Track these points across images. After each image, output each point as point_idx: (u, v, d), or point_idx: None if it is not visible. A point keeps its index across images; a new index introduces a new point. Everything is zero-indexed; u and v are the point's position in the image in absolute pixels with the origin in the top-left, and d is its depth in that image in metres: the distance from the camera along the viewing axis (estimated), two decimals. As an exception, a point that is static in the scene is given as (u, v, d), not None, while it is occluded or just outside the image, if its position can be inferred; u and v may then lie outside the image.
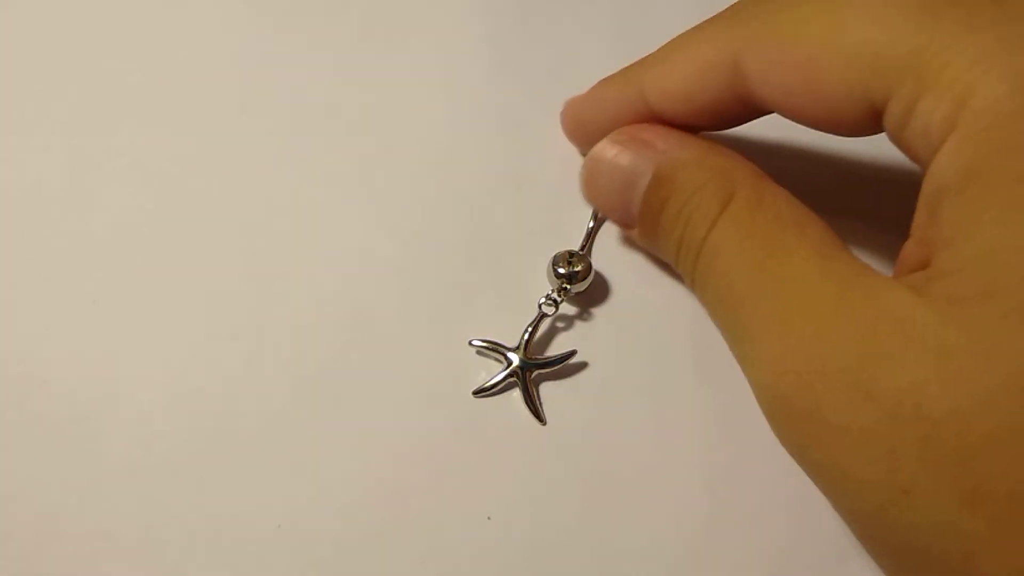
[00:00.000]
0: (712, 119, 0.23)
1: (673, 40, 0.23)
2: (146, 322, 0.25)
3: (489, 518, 0.23)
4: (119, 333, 0.25)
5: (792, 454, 0.18)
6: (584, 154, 0.25)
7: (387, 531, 0.23)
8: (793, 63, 0.20)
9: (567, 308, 0.26)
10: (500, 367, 0.25)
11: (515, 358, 0.24)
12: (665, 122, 0.23)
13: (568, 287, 0.25)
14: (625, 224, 0.24)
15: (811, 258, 0.19)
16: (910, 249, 0.18)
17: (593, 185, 0.24)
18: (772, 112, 0.22)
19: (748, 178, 0.21)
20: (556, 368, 0.25)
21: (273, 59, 0.29)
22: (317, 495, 0.23)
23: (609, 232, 0.27)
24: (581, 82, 0.26)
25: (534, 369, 0.24)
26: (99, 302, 0.25)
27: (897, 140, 0.19)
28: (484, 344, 0.25)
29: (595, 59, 0.28)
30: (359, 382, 0.25)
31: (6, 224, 0.26)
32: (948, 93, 0.17)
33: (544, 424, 0.24)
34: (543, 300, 0.25)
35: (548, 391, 0.25)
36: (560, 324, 0.26)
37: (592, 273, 0.25)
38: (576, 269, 0.25)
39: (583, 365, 0.25)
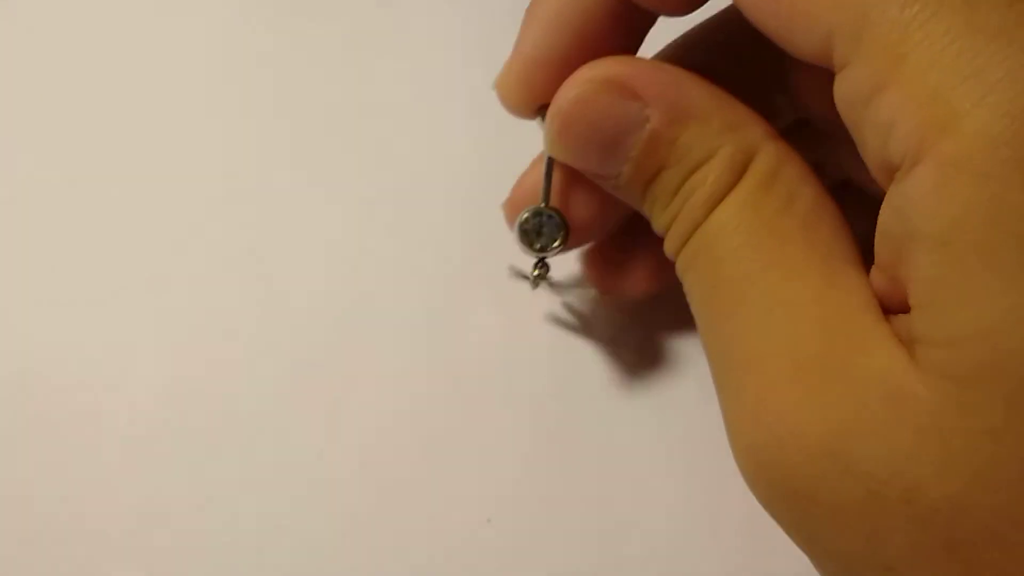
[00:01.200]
0: None
1: None
2: (144, 321, 0.25)
3: (489, 520, 0.23)
4: (118, 332, 0.25)
5: (761, 503, 0.17)
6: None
7: (387, 532, 0.23)
8: None
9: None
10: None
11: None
12: (631, 9, 0.19)
13: (545, 264, 0.22)
14: (603, 179, 0.20)
15: (813, 282, 0.16)
16: (879, 281, 0.16)
17: (563, 140, 0.19)
18: None
19: (763, 140, 0.17)
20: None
21: (272, 59, 0.29)
22: (316, 496, 0.23)
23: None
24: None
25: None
26: (96, 300, 0.25)
27: (844, 107, 0.16)
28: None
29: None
30: (358, 381, 0.25)
31: (4, 222, 0.26)
32: (928, 106, 0.14)
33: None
34: (532, 275, 0.22)
35: (556, 374, 0.25)
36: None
37: (567, 232, 0.21)
38: (544, 239, 0.21)
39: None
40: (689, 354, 0.25)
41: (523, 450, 0.24)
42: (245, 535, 0.23)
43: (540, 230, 0.21)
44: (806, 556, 0.17)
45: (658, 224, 0.19)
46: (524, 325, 0.25)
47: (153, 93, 0.28)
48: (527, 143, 0.27)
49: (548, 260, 0.22)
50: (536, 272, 0.22)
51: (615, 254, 0.24)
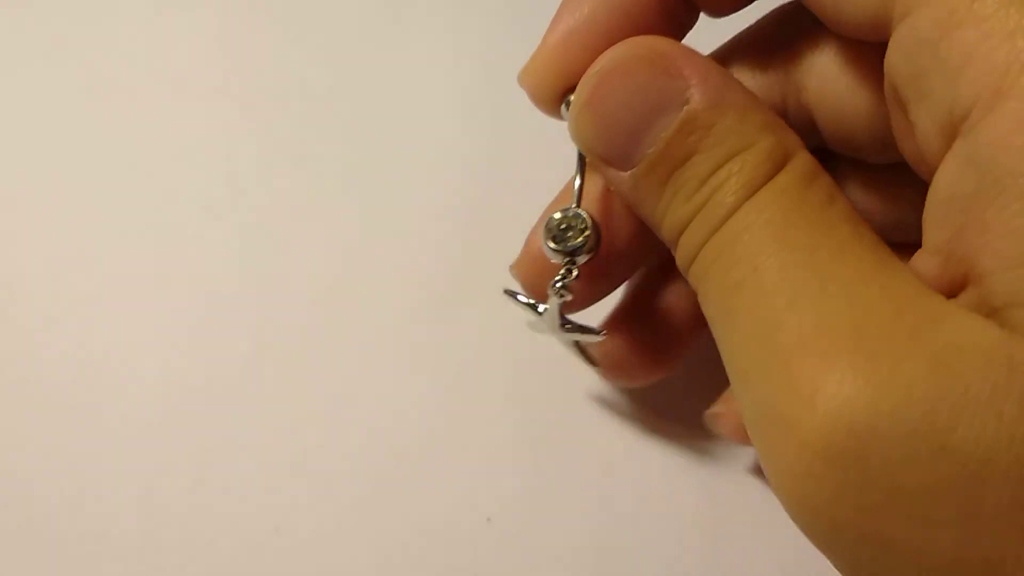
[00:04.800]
0: None
1: None
2: (142, 319, 0.25)
3: (489, 520, 0.23)
4: (116, 331, 0.25)
5: (819, 526, 0.14)
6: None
7: (387, 530, 0.23)
8: None
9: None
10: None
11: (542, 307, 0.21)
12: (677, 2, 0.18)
13: (574, 264, 0.20)
14: (618, 164, 0.18)
15: (872, 262, 0.14)
16: (932, 263, 0.15)
17: (592, 108, 0.18)
18: None
19: (800, 147, 0.16)
20: (580, 335, 0.22)
21: (271, 57, 0.29)
22: (315, 495, 0.23)
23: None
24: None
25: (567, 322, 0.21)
26: (95, 299, 0.25)
27: (901, 62, 0.15)
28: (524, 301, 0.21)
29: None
30: (358, 380, 0.24)
31: (5, 220, 0.26)
32: (1009, 40, 0.13)
33: (601, 334, 0.21)
34: (558, 282, 0.20)
35: (557, 373, 0.25)
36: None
37: (599, 238, 0.20)
38: (575, 242, 0.20)
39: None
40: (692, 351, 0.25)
41: (523, 449, 0.24)
42: (245, 534, 0.23)
43: (569, 231, 0.20)
44: None
45: (675, 218, 0.17)
46: (524, 324, 0.25)
47: (153, 90, 0.28)
48: (528, 143, 0.27)
49: (576, 269, 0.20)
50: (561, 280, 0.20)
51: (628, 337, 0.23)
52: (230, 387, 0.24)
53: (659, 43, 0.17)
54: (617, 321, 0.23)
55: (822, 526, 0.14)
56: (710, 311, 0.17)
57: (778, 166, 0.16)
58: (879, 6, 0.15)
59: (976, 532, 0.13)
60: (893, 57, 0.15)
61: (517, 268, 0.22)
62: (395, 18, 0.30)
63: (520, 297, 0.22)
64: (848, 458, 0.13)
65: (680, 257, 0.17)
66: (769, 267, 0.15)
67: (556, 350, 0.25)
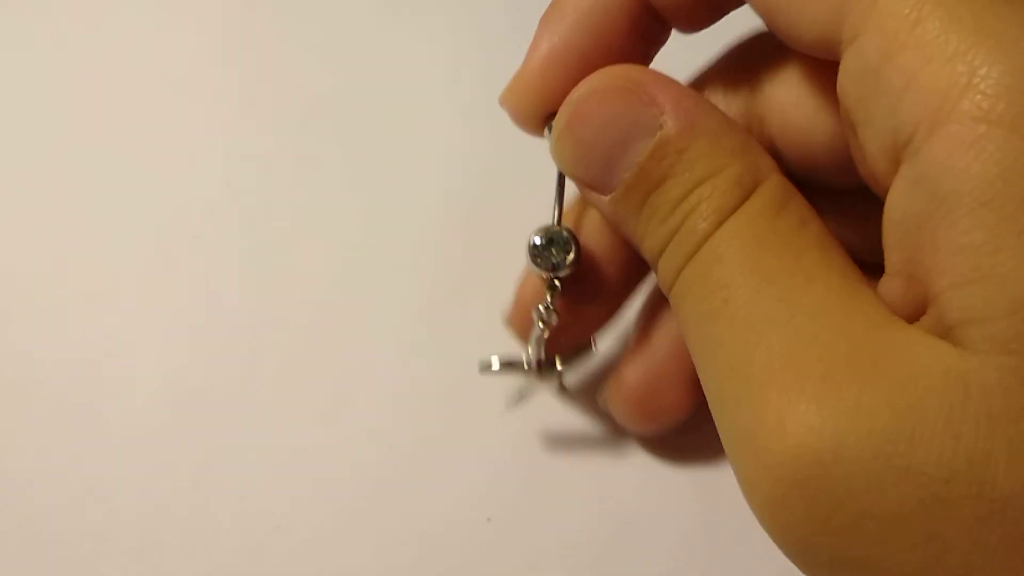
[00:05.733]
0: (705, 5, 0.19)
1: None
2: (142, 320, 0.25)
3: (489, 519, 0.23)
4: (116, 332, 0.25)
5: (785, 545, 0.15)
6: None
7: (387, 530, 0.23)
8: None
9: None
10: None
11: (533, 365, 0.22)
12: (650, 24, 0.19)
13: (557, 278, 0.21)
14: (598, 188, 0.19)
15: (837, 290, 0.15)
16: (893, 287, 0.15)
17: (570, 134, 0.18)
18: None
19: (773, 171, 0.17)
20: (572, 359, 0.23)
21: (271, 56, 0.29)
22: (315, 494, 0.23)
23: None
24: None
25: (553, 368, 0.22)
26: (95, 299, 0.25)
27: (850, 85, 0.15)
28: (501, 363, 0.22)
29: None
30: (357, 380, 0.25)
31: (4, 221, 0.26)
32: (948, 65, 0.13)
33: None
34: (540, 309, 0.21)
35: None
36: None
37: (580, 252, 0.21)
38: (557, 257, 0.21)
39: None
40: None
41: (524, 449, 0.24)
42: (245, 534, 0.23)
43: (551, 249, 0.21)
44: None
45: (653, 241, 0.18)
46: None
47: (152, 91, 0.28)
48: (528, 143, 0.27)
49: (559, 282, 0.21)
50: (547, 302, 0.21)
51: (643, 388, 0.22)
52: (230, 387, 0.24)
53: (634, 71, 0.18)
54: (632, 356, 0.22)
55: (797, 549, 0.15)
56: (688, 337, 0.17)
57: (748, 191, 0.16)
58: (828, 29, 0.15)
59: (942, 552, 0.13)
60: (842, 81, 0.15)
61: (511, 321, 0.22)
62: (396, 18, 0.30)
63: (495, 363, 0.22)
64: (816, 486, 0.14)
65: (660, 281, 0.18)
66: (740, 298, 0.15)
67: None
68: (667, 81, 0.18)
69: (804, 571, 0.15)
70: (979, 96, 0.13)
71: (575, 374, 0.24)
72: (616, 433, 0.24)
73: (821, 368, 0.14)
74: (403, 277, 0.26)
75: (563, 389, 0.24)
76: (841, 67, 0.15)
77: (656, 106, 0.17)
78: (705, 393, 0.16)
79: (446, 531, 0.23)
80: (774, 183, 0.17)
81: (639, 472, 0.24)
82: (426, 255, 0.26)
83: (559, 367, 0.23)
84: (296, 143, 0.28)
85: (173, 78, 0.29)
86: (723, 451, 0.23)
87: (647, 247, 0.18)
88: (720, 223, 0.16)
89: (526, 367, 0.22)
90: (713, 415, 0.16)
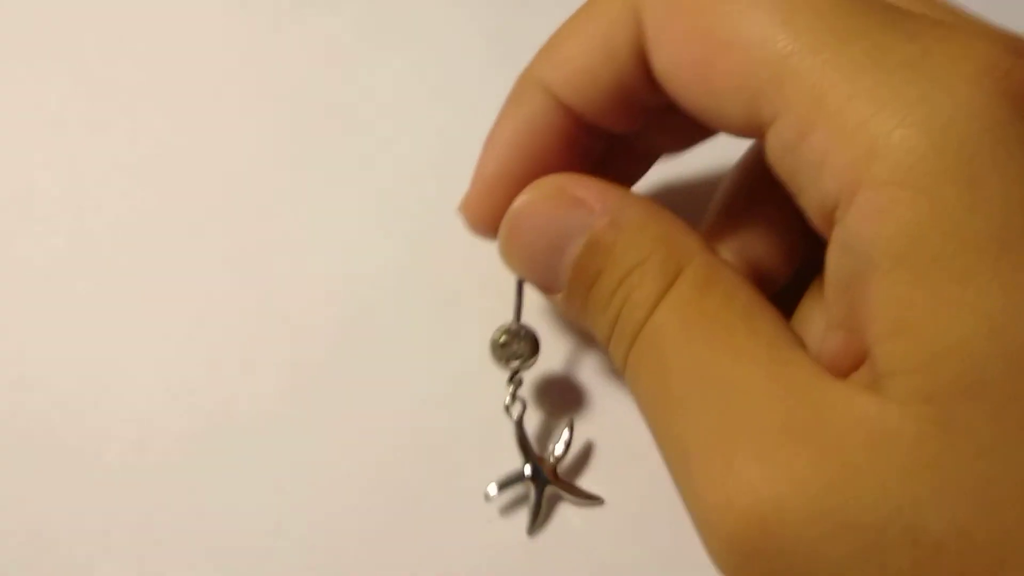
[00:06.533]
0: (627, 108, 0.20)
1: (569, 17, 0.20)
2: (142, 323, 0.25)
3: (489, 521, 0.24)
4: (115, 333, 0.25)
5: None
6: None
7: (386, 532, 0.23)
8: (687, 35, 0.17)
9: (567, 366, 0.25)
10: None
11: (531, 470, 0.23)
12: (580, 127, 0.20)
13: (519, 378, 0.23)
14: (547, 290, 0.21)
15: (762, 361, 0.16)
16: (835, 341, 0.16)
17: (512, 244, 0.20)
18: (668, 95, 0.18)
19: (697, 252, 0.18)
20: (569, 449, 0.23)
21: (271, 57, 0.29)
22: (314, 495, 0.23)
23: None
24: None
25: (556, 466, 0.23)
26: (95, 302, 0.25)
27: (777, 161, 0.16)
28: (503, 484, 0.23)
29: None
30: (357, 381, 0.25)
31: (7, 229, 0.26)
32: (853, 136, 0.14)
33: (603, 502, 0.23)
34: (507, 401, 0.23)
35: (555, 375, 0.25)
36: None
37: (538, 346, 0.23)
38: (521, 356, 0.23)
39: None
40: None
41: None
42: (244, 534, 0.23)
43: (513, 345, 0.23)
44: None
45: (600, 332, 0.19)
46: (528, 321, 0.25)
47: (152, 92, 0.28)
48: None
49: (522, 375, 0.23)
50: (511, 389, 0.23)
51: None
52: (229, 389, 0.24)
53: (560, 179, 0.20)
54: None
55: None
56: (643, 415, 0.18)
57: (673, 276, 0.18)
58: (748, 117, 0.16)
59: None
60: (770, 158, 0.17)
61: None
62: (397, 18, 0.29)
63: (491, 492, 0.23)
64: (765, 552, 0.15)
65: (615, 366, 0.19)
66: (677, 380, 0.17)
67: (556, 352, 0.25)
68: (593, 182, 0.19)
69: None
70: (885, 163, 0.14)
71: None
72: (616, 433, 0.24)
73: (757, 439, 0.15)
74: (402, 276, 0.26)
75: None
76: (767, 147, 0.16)
77: (584, 206, 0.19)
78: (666, 465, 0.18)
79: (446, 531, 0.23)
80: (698, 264, 0.18)
81: (639, 472, 0.24)
82: (427, 255, 0.26)
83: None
84: (297, 143, 0.28)
85: (173, 77, 0.28)
86: None
87: (598, 337, 0.20)
88: (652, 309, 0.18)
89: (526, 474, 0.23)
90: (675, 486, 0.17)
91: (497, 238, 0.21)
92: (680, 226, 0.19)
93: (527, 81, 0.20)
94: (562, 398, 0.25)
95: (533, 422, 0.24)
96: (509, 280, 0.24)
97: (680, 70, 0.17)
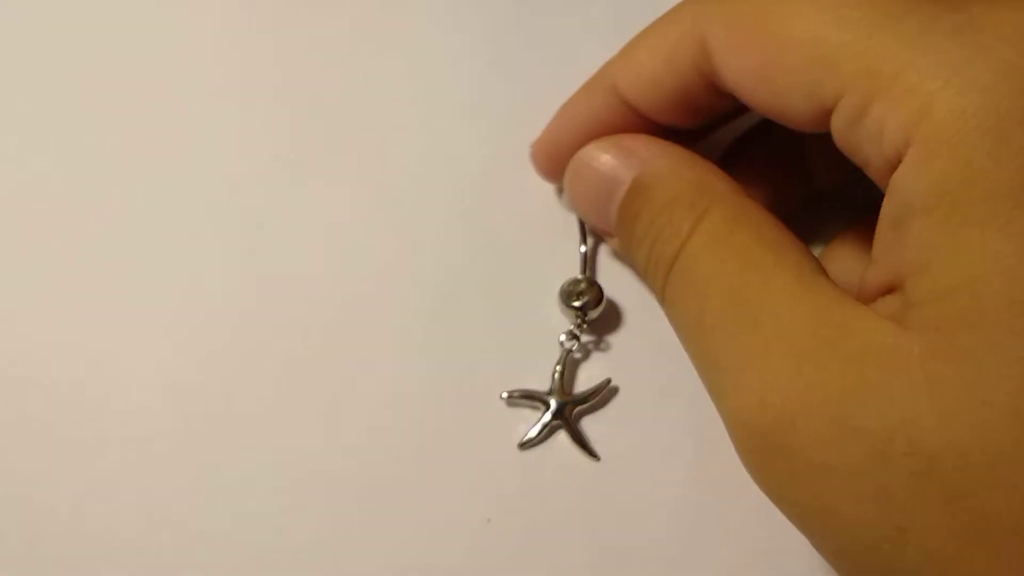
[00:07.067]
0: (687, 110, 0.22)
1: (642, 31, 0.23)
2: (142, 321, 0.25)
3: (489, 520, 0.23)
4: (115, 331, 0.25)
5: (769, 494, 0.18)
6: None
7: (386, 531, 0.23)
8: (750, 46, 0.19)
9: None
10: (537, 412, 0.24)
11: (553, 402, 0.24)
12: (643, 120, 0.23)
13: (585, 317, 0.25)
14: (606, 233, 0.24)
15: (790, 285, 0.18)
16: (875, 274, 0.18)
17: (574, 190, 0.24)
18: (741, 101, 0.21)
19: (726, 193, 0.20)
20: (594, 401, 0.24)
21: (271, 59, 0.29)
22: (315, 495, 0.24)
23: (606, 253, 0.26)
24: (579, 85, 0.26)
25: (574, 407, 0.24)
26: (94, 299, 0.26)
27: (844, 141, 0.18)
28: (518, 394, 0.24)
29: (594, 59, 0.27)
30: (357, 383, 0.25)
31: (3, 220, 0.27)
32: (905, 101, 0.16)
33: (598, 459, 0.24)
34: (563, 337, 0.25)
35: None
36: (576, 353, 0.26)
37: (604, 298, 0.25)
38: (587, 298, 0.25)
39: (614, 390, 0.25)
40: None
41: (521, 460, 0.24)
42: (245, 534, 0.23)
43: (579, 293, 0.25)
44: (811, 543, 0.18)
45: (641, 268, 0.22)
46: (524, 326, 0.25)
47: (153, 91, 0.28)
48: (530, 140, 0.27)
49: (588, 318, 0.25)
50: (575, 329, 0.25)
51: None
52: (229, 387, 0.25)
53: (617, 136, 0.23)
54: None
55: (777, 495, 0.18)
56: (682, 341, 0.20)
57: (700, 215, 0.20)
58: (813, 107, 0.18)
59: (888, 504, 0.15)
60: (836, 139, 0.19)
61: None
62: (397, 17, 0.30)
63: (504, 395, 0.24)
64: (788, 448, 0.17)
65: (656, 298, 0.21)
66: (713, 308, 0.19)
67: (555, 353, 0.25)
68: (644, 137, 0.23)
69: (788, 518, 0.18)
70: (930, 122, 0.16)
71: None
72: (616, 433, 0.24)
73: (787, 350, 0.17)
74: (403, 276, 0.26)
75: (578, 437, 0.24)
76: (833, 132, 0.18)
77: (633, 155, 0.22)
78: (702, 382, 0.20)
79: (446, 532, 0.23)
80: (727, 202, 0.20)
81: (640, 470, 0.24)
82: (427, 257, 0.26)
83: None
84: (297, 145, 0.28)
85: (173, 76, 0.29)
86: (725, 449, 0.23)
87: (640, 272, 0.22)
88: (684, 242, 0.20)
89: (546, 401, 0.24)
90: (711, 399, 0.19)
91: (563, 184, 0.24)
92: (714, 172, 0.21)
93: (601, 78, 0.23)
94: (606, 356, 0.25)
95: (571, 364, 0.25)
96: (508, 280, 0.26)
97: (747, 78, 0.19)
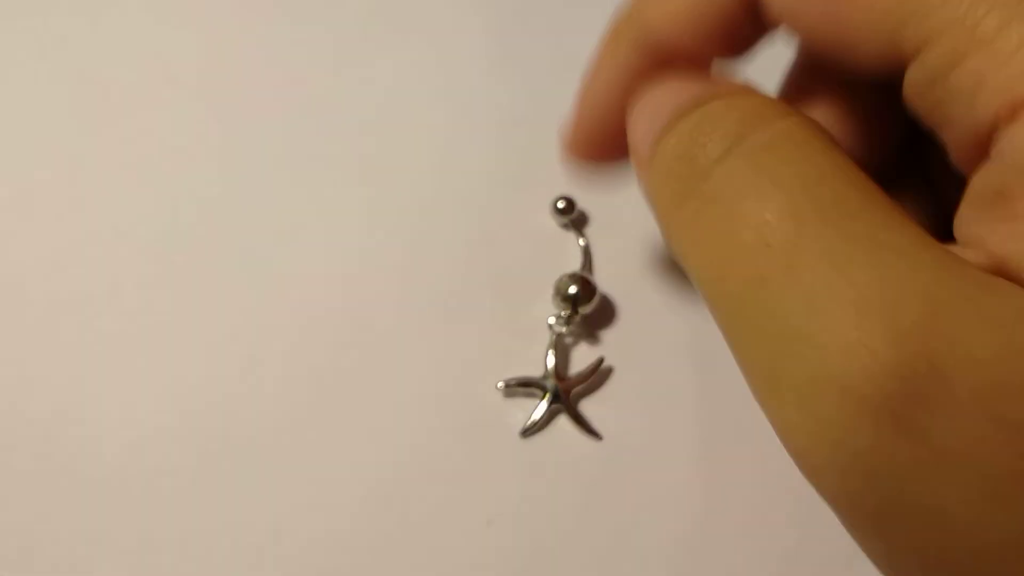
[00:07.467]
0: (726, 42, 0.19)
1: None
2: (143, 328, 0.25)
3: (489, 522, 0.23)
4: (115, 338, 0.25)
5: (851, 499, 0.13)
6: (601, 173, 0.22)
7: (388, 533, 0.23)
8: None
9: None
10: (534, 400, 0.24)
11: (550, 385, 0.24)
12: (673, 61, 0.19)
13: (576, 311, 0.25)
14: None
15: (902, 222, 0.14)
16: (960, 253, 0.15)
17: (633, 123, 0.19)
18: (789, 32, 0.18)
19: (787, 113, 0.16)
20: (590, 381, 0.25)
21: (272, 60, 0.29)
22: (317, 497, 0.24)
23: (604, 252, 0.27)
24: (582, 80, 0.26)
25: (571, 388, 0.24)
26: (97, 302, 0.26)
27: (918, 96, 0.16)
28: (515, 382, 0.24)
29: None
30: (358, 386, 0.25)
31: (4, 232, 0.27)
32: (1012, 60, 0.14)
33: (600, 439, 0.24)
34: (552, 320, 0.25)
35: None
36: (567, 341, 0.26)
37: (597, 292, 0.25)
38: (579, 290, 0.25)
39: (609, 370, 0.25)
40: (688, 347, 0.25)
41: (523, 451, 0.24)
42: (247, 536, 0.23)
43: (578, 295, 0.25)
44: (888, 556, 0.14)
45: (659, 177, 0.17)
46: (525, 326, 0.25)
47: (154, 94, 0.28)
48: (527, 147, 0.28)
49: (579, 312, 0.25)
50: (565, 318, 0.25)
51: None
52: (229, 389, 0.25)
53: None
54: None
55: (855, 492, 0.13)
56: (696, 269, 0.16)
57: (766, 119, 0.16)
58: (886, 51, 0.16)
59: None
60: (909, 92, 0.16)
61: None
62: (397, 18, 0.30)
63: (500, 385, 0.24)
64: (907, 415, 0.12)
65: (659, 214, 0.17)
66: (777, 223, 0.14)
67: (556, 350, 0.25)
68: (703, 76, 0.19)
69: (865, 529, 0.14)
70: None
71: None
72: (616, 432, 0.24)
73: (919, 304, 0.13)
74: (403, 280, 0.26)
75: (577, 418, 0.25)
76: (906, 80, 0.16)
77: (707, 81, 0.18)
78: (736, 332, 0.15)
79: (446, 534, 0.23)
80: (794, 120, 0.16)
81: (640, 470, 0.24)
82: (428, 258, 0.26)
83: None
84: (298, 146, 0.28)
85: (175, 79, 0.29)
86: (727, 449, 0.23)
87: (653, 193, 0.17)
88: (738, 141, 0.15)
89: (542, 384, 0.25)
90: (750, 356, 0.15)
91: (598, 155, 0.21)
92: (771, 99, 0.17)
93: (626, 29, 0.20)
94: (600, 341, 0.26)
95: (563, 350, 0.26)
96: (507, 281, 0.26)
97: (809, 5, 0.17)
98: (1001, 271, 0.14)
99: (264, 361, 0.25)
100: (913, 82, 0.15)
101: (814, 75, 0.19)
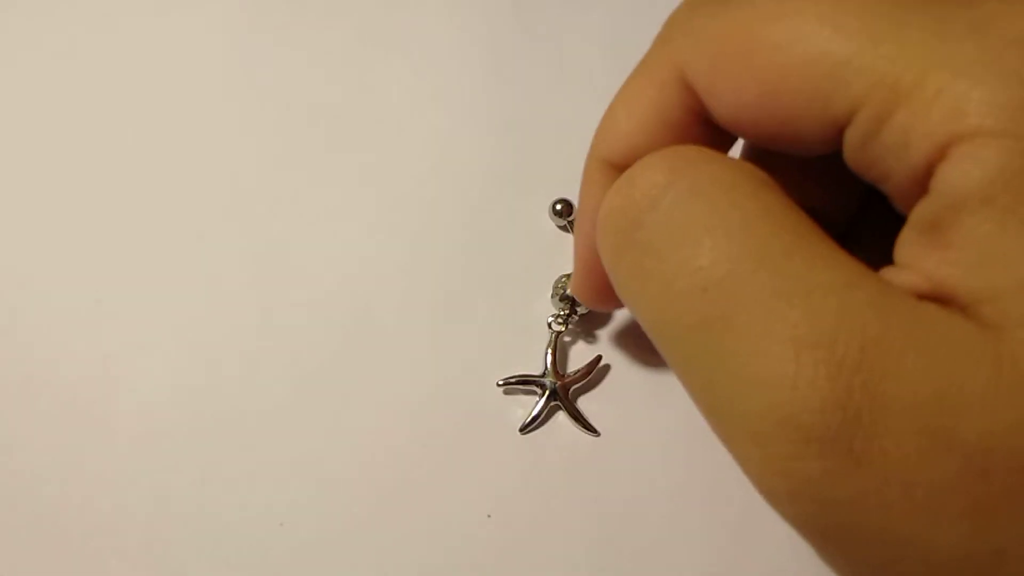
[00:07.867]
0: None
1: (616, 95, 0.20)
2: (149, 321, 0.26)
3: (489, 516, 0.24)
4: (123, 331, 0.26)
5: (807, 522, 0.14)
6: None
7: (388, 528, 0.24)
8: (744, 79, 0.17)
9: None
10: (533, 398, 0.25)
11: (548, 382, 0.25)
12: None
13: (575, 310, 0.25)
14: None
15: (836, 258, 0.15)
16: (900, 278, 0.15)
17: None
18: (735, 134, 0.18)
19: (720, 158, 0.17)
20: (588, 379, 0.25)
21: (274, 64, 0.29)
22: (318, 493, 0.24)
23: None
24: (578, 89, 0.26)
25: (570, 386, 0.25)
26: (103, 300, 0.26)
27: (858, 157, 0.16)
28: (514, 380, 0.25)
29: (592, 66, 0.28)
30: (361, 384, 0.25)
31: (12, 223, 0.27)
32: (936, 104, 0.15)
33: (598, 435, 0.25)
34: (551, 319, 0.25)
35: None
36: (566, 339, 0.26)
37: None
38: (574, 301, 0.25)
39: (606, 368, 0.26)
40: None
41: (523, 446, 0.25)
42: (248, 533, 0.23)
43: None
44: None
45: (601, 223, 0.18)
46: (524, 325, 0.26)
47: (158, 95, 0.29)
48: (526, 148, 0.28)
49: (576, 313, 0.26)
50: (564, 317, 0.25)
51: None
52: (235, 386, 0.25)
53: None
54: None
55: (819, 524, 0.14)
56: (637, 303, 0.17)
57: (709, 160, 0.17)
58: (822, 129, 0.16)
59: (986, 524, 0.13)
60: (849, 155, 0.17)
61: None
62: (398, 20, 0.30)
63: (511, 381, 0.25)
64: (842, 448, 0.13)
65: (603, 246, 0.18)
66: (729, 275, 0.15)
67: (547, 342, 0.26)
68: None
69: (825, 549, 0.14)
70: (970, 119, 0.14)
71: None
72: (616, 431, 0.25)
73: (853, 336, 0.13)
74: (403, 277, 0.26)
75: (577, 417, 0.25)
76: (845, 144, 0.16)
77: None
78: (687, 374, 0.16)
79: (446, 527, 0.24)
80: (741, 164, 0.17)
81: (639, 469, 0.24)
82: (427, 260, 0.27)
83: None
84: (299, 149, 0.28)
85: (178, 80, 0.29)
86: (718, 447, 0.23)
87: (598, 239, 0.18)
88: (668, 186, 0.16)
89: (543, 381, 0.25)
90: (701, 390, 0.15)
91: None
92: (703, 148, 0.17)
93: (592, 162, 0.20)
94: (597, 340, 0.26)
95: (562, 348, 0.26)
96: (507, 281, 0.26)
97: (744, 111, 0.17)
98: (936, 292, 0.14)
99: (266, 361, 0.25)
100: (850, 145, 0.16)
101: (765, 155, 0.20)
